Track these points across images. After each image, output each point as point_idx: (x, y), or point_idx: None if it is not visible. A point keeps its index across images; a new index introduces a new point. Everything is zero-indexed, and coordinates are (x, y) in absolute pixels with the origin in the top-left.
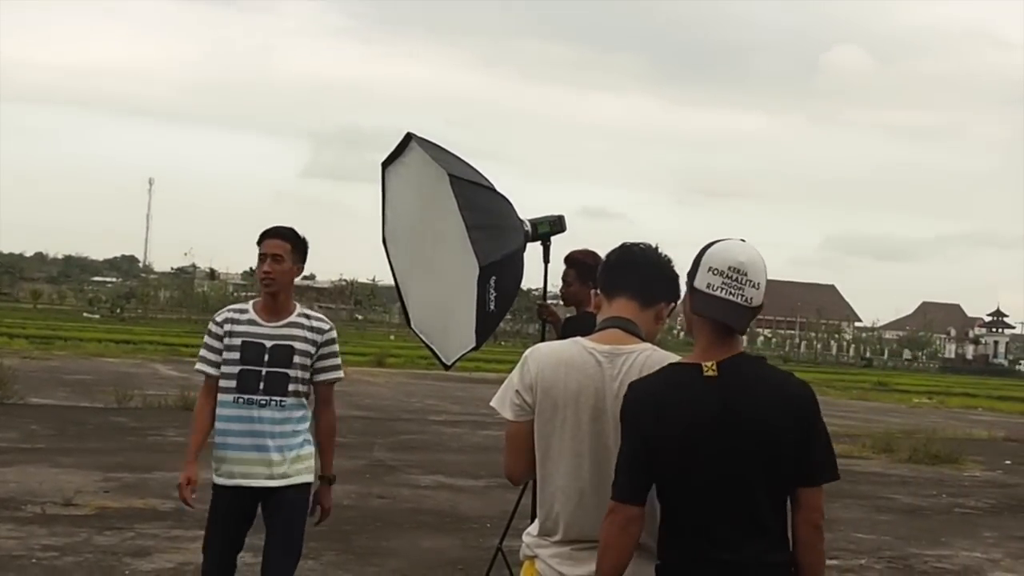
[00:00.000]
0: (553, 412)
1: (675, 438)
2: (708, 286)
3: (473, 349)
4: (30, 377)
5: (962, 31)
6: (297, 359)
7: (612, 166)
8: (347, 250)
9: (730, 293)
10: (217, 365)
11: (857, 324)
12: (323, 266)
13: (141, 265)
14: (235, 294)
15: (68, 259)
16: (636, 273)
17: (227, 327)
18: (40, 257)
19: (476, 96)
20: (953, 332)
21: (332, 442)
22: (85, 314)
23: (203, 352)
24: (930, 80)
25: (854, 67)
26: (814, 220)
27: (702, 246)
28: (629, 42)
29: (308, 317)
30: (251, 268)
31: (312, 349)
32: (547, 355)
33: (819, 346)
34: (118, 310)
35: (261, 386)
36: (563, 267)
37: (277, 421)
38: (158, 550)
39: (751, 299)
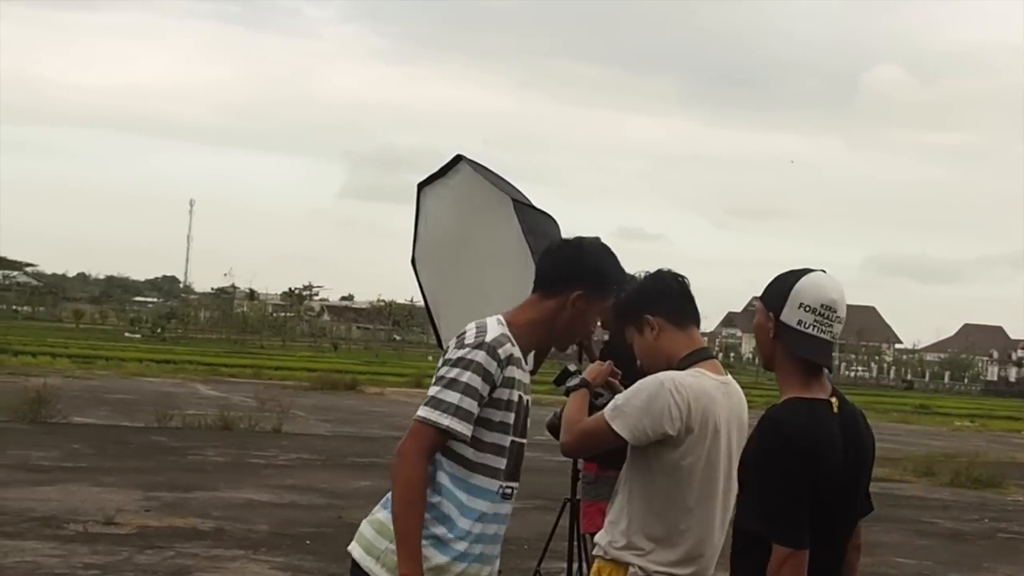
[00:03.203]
0: (700, 445)
1: (825, 475)
2: (799, 323)
3: (529, 373)
4: (72, 396)
5: (1004, 50)
6: None
7: (648, 187)
8: (385, 270)
9: (821, 331)
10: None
11: (897, 346)
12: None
13: (182, 285)
14: (274, 314)
15: (110, 279)
16: (694, 303)
17: (508, 370)
18: (83, 277)
19: (513, 117)
20: (995, 354)
21: None
22: (126, 334)
23: (458, 396)
24: (972, 99)
25: (894, 86)
26: (853, 241)
27: (779, 274)
28: (665, 63)
29: None
30: (290, 288)
31: None
32: (692, 387)
33: (859, 368)
34: (159, 330)
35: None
36: None
37: None
38: (198, 569)
39: (837, 335)
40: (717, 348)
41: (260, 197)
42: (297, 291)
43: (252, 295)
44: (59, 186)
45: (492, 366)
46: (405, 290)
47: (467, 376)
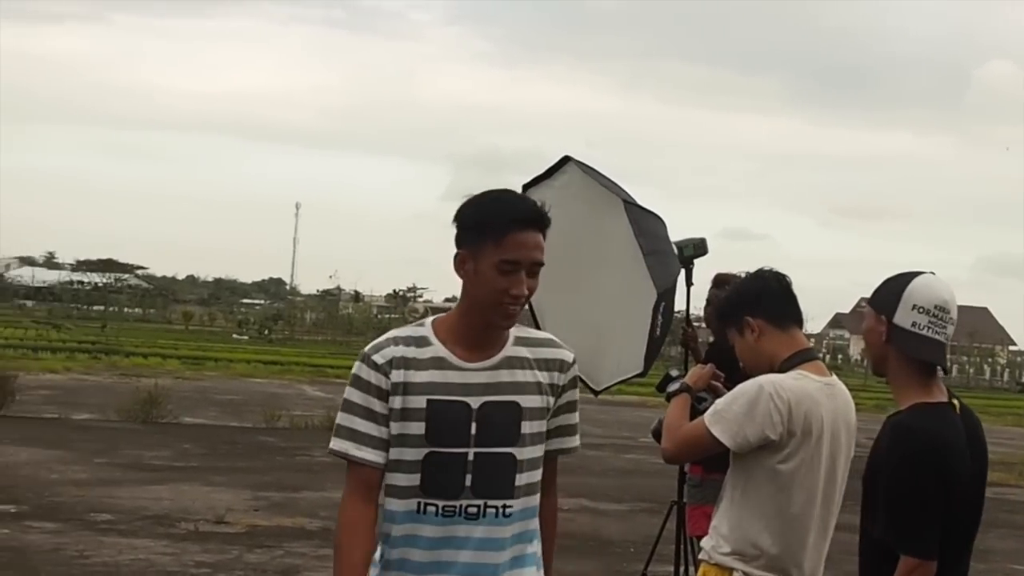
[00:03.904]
0: (803, 448)
1: (955, 483)
2: (914, 325)
3: (639, 375)
4: (182, 397)
5: None
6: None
7: (754, 187)
8: None
9: (935, 332)
10: None
11: (1011, 348)
12: None
13: (288, 287)
14: (378, 316)
15: (218, 282)
16: (796, 303)
17: (396, 375)
18: (192, 280)
19: (616, 118)
20: None
21: None
22: (234, 335)
23: (341, 415)
24: None
25: (1008, 83)
26: (965, 241)
27: (888, 277)
28: (771, 62)
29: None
30: (395, 290)
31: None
32: (793, 389)
33: (971, 370)
34: (266, 331)
35: None
36: (708, 289)
37: None
38: (306, 568)
39: (950, 336)
40: (825, 350)
41: (365, 199)
42: (401, 293)
43: (357, 297)
44: (169, 190)
45: (371, 375)
46: None
47: (347, 391)
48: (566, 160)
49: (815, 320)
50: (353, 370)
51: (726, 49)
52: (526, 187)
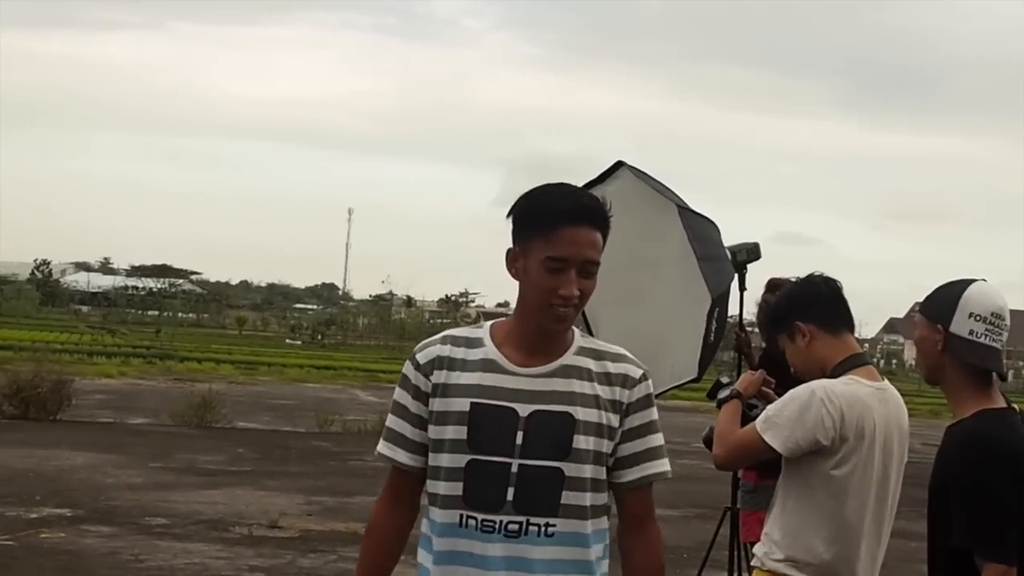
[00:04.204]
0: (855, 453)
1: None
2: (971, 332)
3: (693, 380)
4: (236, 402)
5: None
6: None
7: (806, 191)
8: None
9: (992, 339)
10: None
11: None
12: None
13: (340, 293)
14: (430, 321)
15: (271, 287)
16: (847, 307)
17: (438, 375)
18: (245, 285)
19: (667, 122)
20: None
21: None
22: (287, 340)
23: (390, 417)
24: None
25: None
26: (1018, 244)
27: (939, 286)
28: (822, 65)
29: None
30: (447, 295)
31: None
32: (845, 394)
33: None
34: (318, 337)
35: None
36: (761, 294)
37: None
38: None
39: (1005, 343)
40: (878, 355)
41: (417, 204)
42: (453, 298)
43: (409, 302)
44: (223, 196)
45: (412, 375)
46: None
47: (396, 392)
48: (619, 165)
49: (868, 325)
50: (403, 368)
51: (777, 52)
52: None
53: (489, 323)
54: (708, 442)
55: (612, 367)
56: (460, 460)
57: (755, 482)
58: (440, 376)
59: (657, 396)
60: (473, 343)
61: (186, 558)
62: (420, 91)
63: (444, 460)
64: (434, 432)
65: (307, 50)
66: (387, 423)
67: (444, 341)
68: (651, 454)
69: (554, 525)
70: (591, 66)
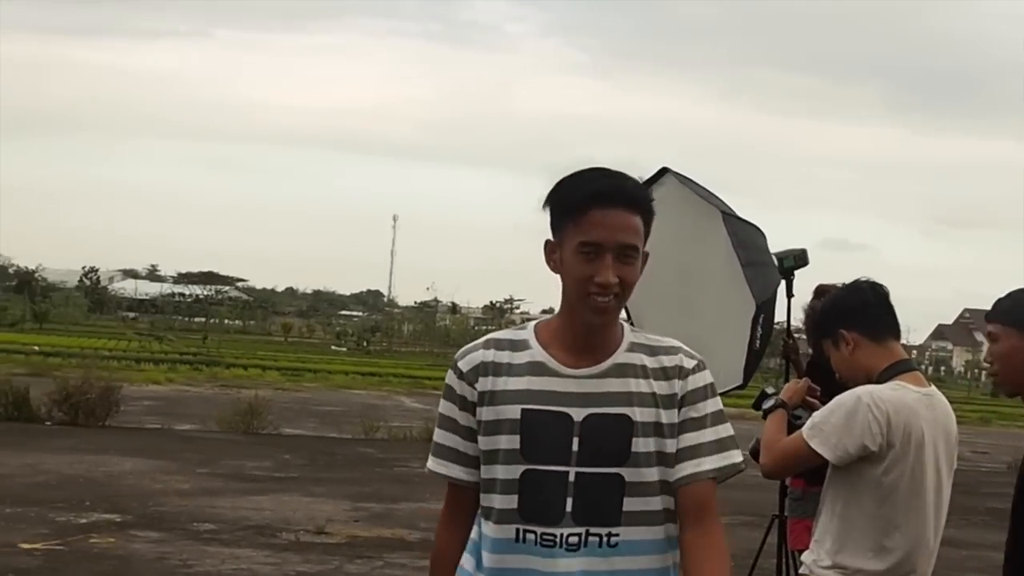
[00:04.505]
0: (903, 458)
1: None
2: None
3: (739, 387)
4: (282, 408)
5: None
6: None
7: (853, 196)
8: None
9: None
10: None
11: None
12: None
13: (386, 299)
14: (475, 328)
15: (317, 293)
16: (893, 314)
17: (483, 383)
18: (291, 292)
19: (712, 127)
20: None
21: None
22: (333, 347)
23: (437, 431)
24: None
25: None
26: None
27: (1015, 292)
28: (870, 70)
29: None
30: (492, 302)
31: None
32: (892, 400)
33: None
34: (364, 343)
35: None
36: (809, 300)
37: None
38: None
39: None
40: (927, 361)
41: (462, 211)
42: (498, 304)
43: (454, 308)
44: (269, 203)
45: (457, 384)
46: None
47: (441, 404)
48: (664, 171)
49: (917, 332)
50: (446, 378)
51: (824, 57)
52: None
53: (533, 323)
54: (755, 453)
55: (667, 360)
56: (515, 471)
57: (803, 489)
58: (486, 383)
59: None
60: (518, 345)
61: (234, 564)
62: (465, 98)
63: (498, 472)
64: (485, 443)
65: (352, 58)
66: (435, 438)
67: (487, 345)
68: (711, 447)
69: (617, 535)
70: (636, 72)
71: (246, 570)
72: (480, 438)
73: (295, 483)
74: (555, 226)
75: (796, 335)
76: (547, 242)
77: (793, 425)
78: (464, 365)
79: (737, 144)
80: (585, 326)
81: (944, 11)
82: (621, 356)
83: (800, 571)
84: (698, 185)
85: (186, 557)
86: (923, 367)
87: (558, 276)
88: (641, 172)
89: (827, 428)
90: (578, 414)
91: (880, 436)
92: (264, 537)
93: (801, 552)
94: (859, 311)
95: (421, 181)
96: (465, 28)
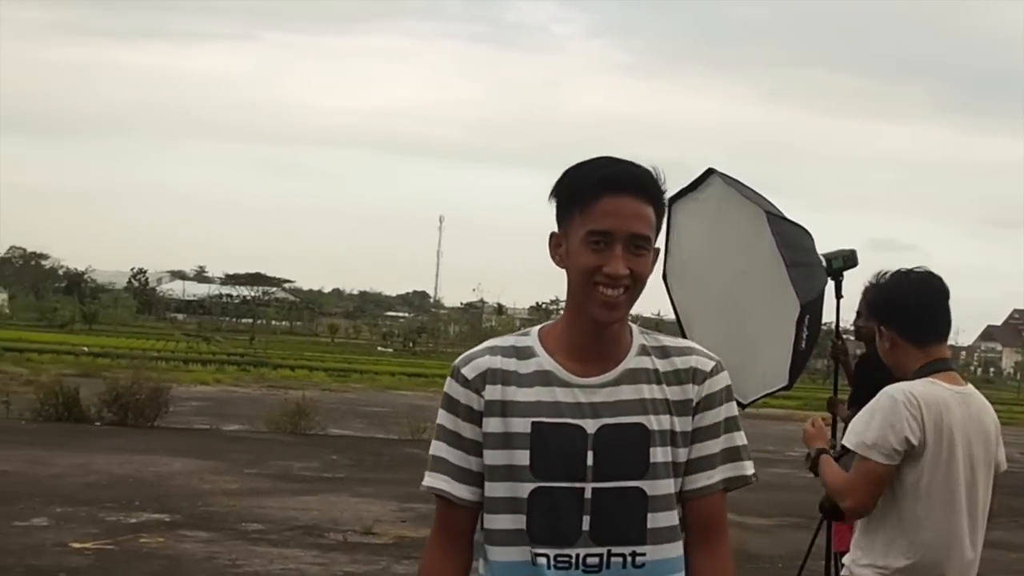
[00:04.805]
0: (935, 455)
1: None
2: None
3: (784, 388)
4: (329, 409)
5: None
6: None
7: (900, 196)
8: None
9: None
10: None
11: None
12: None
13: (432, 300)
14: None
15: (363, 295)
16: (936, 316)
17: (490, 391)
18: (337, 293)
19: (759, 128)
20: None
21: None
22: (379, 348)
23: (434, 443)
24: None
25: None
26: None
27: None
28: (917, 69)
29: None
30: (538, 302)
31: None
32: (924, 395)
33: None
34: (410, 344)
35: None
36: (859, 301)
37: None
38: None
39: None
40: (975, 363)
41: (508, 212)
42: (544, 305)
43: (500, 309)
44: (316, 205)
45: (460, 392)
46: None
47: (440, 416)
48: (710, 172)
49: (966, 332)
50: (444, 387)
51: (872, 56)
52: (673, 200)
53: (536, 328)
54: (830, 509)
55: (680, 362)
56: (523, 489)
57: None
58: (495, 391)
59: (748, 404)
60: (523, 353)
61: (282, 564)
62: (511, 99)
63: (502, 489)
64: (489, 457)
65: (398, 59)
66: (432, 451)
67: (492, 352)
68: (723, 456)
69: (643, 554)
70: (682, 72)
71: (294, 570)
72: (486, 451)
73: (342, 483)
74: (561, 217)
75: (845, 336)
76: (552, 235)
77: (839, 461)
78: (469, 371)
79: (783, 144)
80: (593, 324)
81: (992, 10)
82: (632, 361)
83: (841, 573)
84: (744, 186)
85: (235, 557)
86: (972, 368)
87: (562, 269)
88: (688, 173)
89: (874, 437)
90: (591, 426)
91: (919, 430)
92: (312, 537)
93: (843, 554)
94: (900, 313)
95: (467, 182)
96: (511, 29)
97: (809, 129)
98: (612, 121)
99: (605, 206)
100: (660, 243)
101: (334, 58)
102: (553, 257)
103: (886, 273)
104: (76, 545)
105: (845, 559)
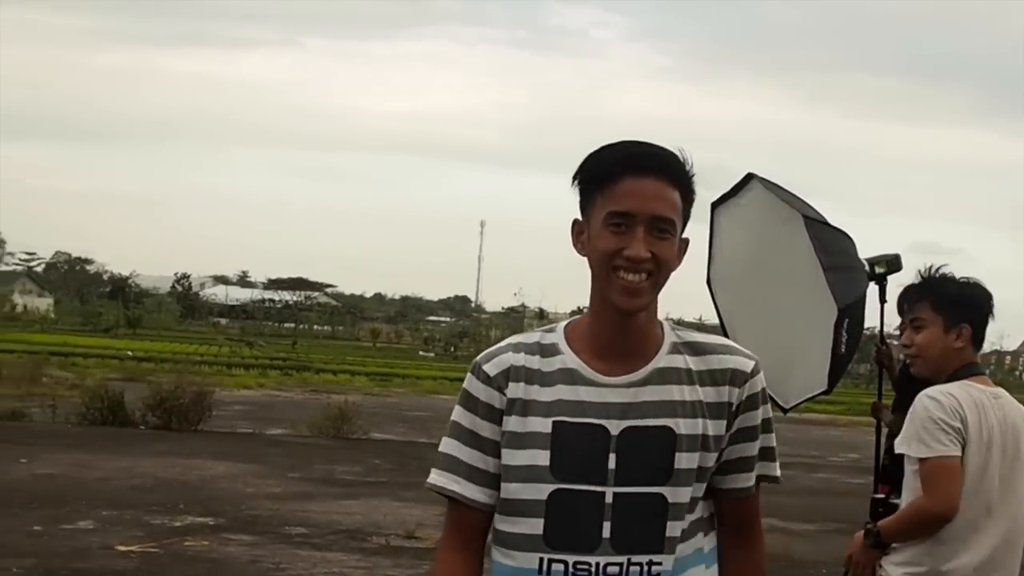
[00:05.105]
0: (972, 453)
1: None
2: None
3: (824, 393)
4: (371, 413)
5: None
6: None
7: (943, 200)
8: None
9: None
10: None
11: None
12: None
13: (473, 305)
14: None
15: (405, 299)
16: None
17: (512, 389)
18: (379, 298)
19: (801, 132)
20: None
21: None
22: (420, 352)
23: (445, 440)
24: None
25: None
26: None
27: None
28: (959, 72)
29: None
30: (579, 307)
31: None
32: (959, 396)
33: None
34: (451, 349)
35: None
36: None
37: None
38: None
39: None
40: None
41: (549, 216)
42: (585, 309)
43: (541, 314)
44: (358, 210)
45: (480, 390)
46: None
47: (454, 409)
48: (750, 177)
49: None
50: (463, 383)
51: (914, 60)
52: (715, 205)
53: (562, 324)
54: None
55: (716, 361)
56: (541, 491)
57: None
58: (518, 389)
59: (790, 409)
60: (548, 350)
61: (325, 567)
62: (552, 103)
63: (518, 491)
64: (507, 457)
65: (439, 64)
66: (443, 449)
67: (516, 349)
68: (763, 455)
69: (659, 563)
70: (722, 76)
71: (337, 574)
72: (504, 451)
73: (385, 488)
74: (583, 202)
75: (889, 340)
76: (575, 222)
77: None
78: (491, 368)
79: (825, 148)
80: (617, 315)
81: None
82: (663, 360)
83: (879, 572)
84: (784, 190)
85: (278, 560)
86: (1018, 373)
87: (584, 257)
88: (729, 177)
89: (929, 438)
90: (615, 427)
91: (962, 427)
92: (355, 541)
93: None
94: (984, 317)
95: (508, 186)
96: (552, 34)
97: (850, 132)
98: (652, 124)
99: (626, 187)
100: (688, 234)
101: (376, 63)
102: (575, 245)
103: (938, 268)
104: (121, 548)
105: (883, 560)
